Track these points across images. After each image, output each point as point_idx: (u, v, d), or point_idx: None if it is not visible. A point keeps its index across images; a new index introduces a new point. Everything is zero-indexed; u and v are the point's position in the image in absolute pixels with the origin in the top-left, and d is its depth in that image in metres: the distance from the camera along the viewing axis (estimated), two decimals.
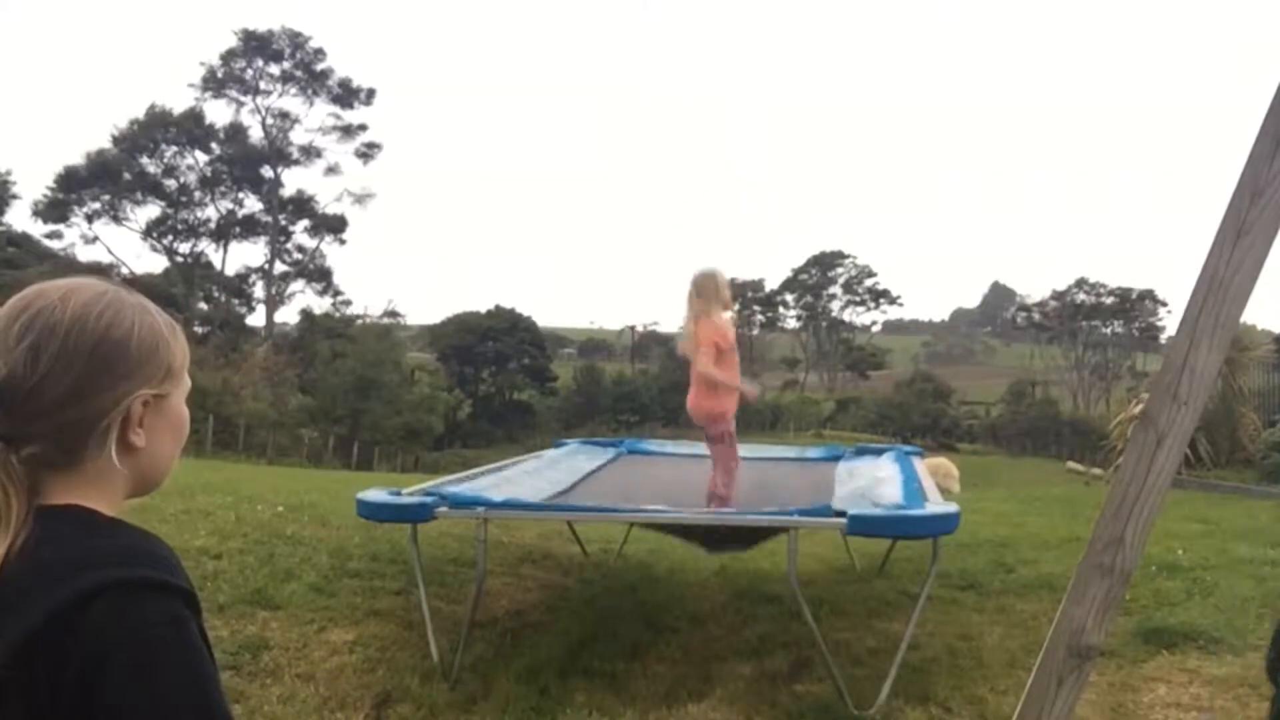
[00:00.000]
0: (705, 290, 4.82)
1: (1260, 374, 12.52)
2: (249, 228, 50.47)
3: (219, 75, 49.72)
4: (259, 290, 50.51)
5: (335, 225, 50.82)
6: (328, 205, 50.79)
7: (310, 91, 50.59)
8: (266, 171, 50.18)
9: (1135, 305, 67.98)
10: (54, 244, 43.86)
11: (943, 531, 3.73)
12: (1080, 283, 69.17)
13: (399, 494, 4.16)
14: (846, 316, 78.94)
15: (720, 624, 4.75)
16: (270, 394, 36.02)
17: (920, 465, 5.75)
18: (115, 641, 0.81)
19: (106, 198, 46.11)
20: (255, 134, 50.28)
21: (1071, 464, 31.32)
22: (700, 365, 4.70)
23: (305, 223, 51.20)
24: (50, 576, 0.84)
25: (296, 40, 50.07)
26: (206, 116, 49.07)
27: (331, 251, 53.82)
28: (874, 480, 4.93)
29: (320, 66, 50.35)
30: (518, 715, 3.54)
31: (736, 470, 4.90)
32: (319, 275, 51.06)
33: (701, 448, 7.80)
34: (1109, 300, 68.36)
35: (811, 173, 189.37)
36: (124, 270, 44.50)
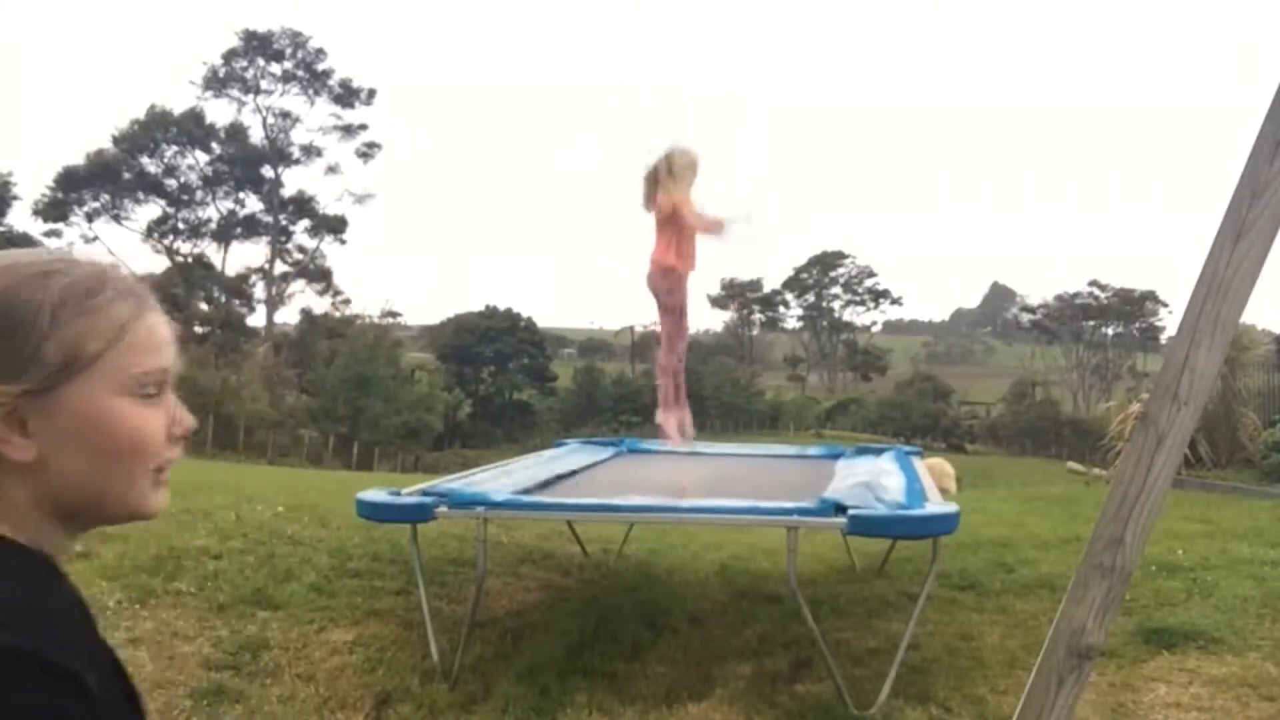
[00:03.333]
0: (682, 166, 5.09)
1: (1260, 374, 12.50)
2: (250, 228, 50.51)
3: (220, 75, 49.79)
4: (259, 290, 50.58)
5: (335, 225, 50.88)
6: (328, 205, 50.89)
7: (311, 91, 50.68)
8: (267, 171, 50.22)
9: (1136, 306, 68.05)
10: (53, 243, 43.96)
11: (943, 531, 3.73)
12: (1082, 283, 69.33)
13: (399, 494, 4.16)
14: (847, 316, 79.02)
15: (720, 624, 4.75)
16: (270, 394, 36.06)
17: (920, 465, 5.75)
18: None
19: (107, 197, 46.17)
20: (256, 134, 50.40)
21: (1072, 464, 31.27)
22: (690, 219, 4.98)
23: (306, 223, 51.28)
24: None
25: (297, 40, 50.16)
26: (207, 116, 49.21)
27: (332, 251, 53.87)
28: (877, 471, 4.93)
29: (321, 66, 50.45)
30: (518, 715, 3.54)
31: (682, 345, 5.09)
32: (319, 275, 51.08)
33: (701, 446, 7.80)
34: (1110, 301, 68.42)
35: (812, 173, 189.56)
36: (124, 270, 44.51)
